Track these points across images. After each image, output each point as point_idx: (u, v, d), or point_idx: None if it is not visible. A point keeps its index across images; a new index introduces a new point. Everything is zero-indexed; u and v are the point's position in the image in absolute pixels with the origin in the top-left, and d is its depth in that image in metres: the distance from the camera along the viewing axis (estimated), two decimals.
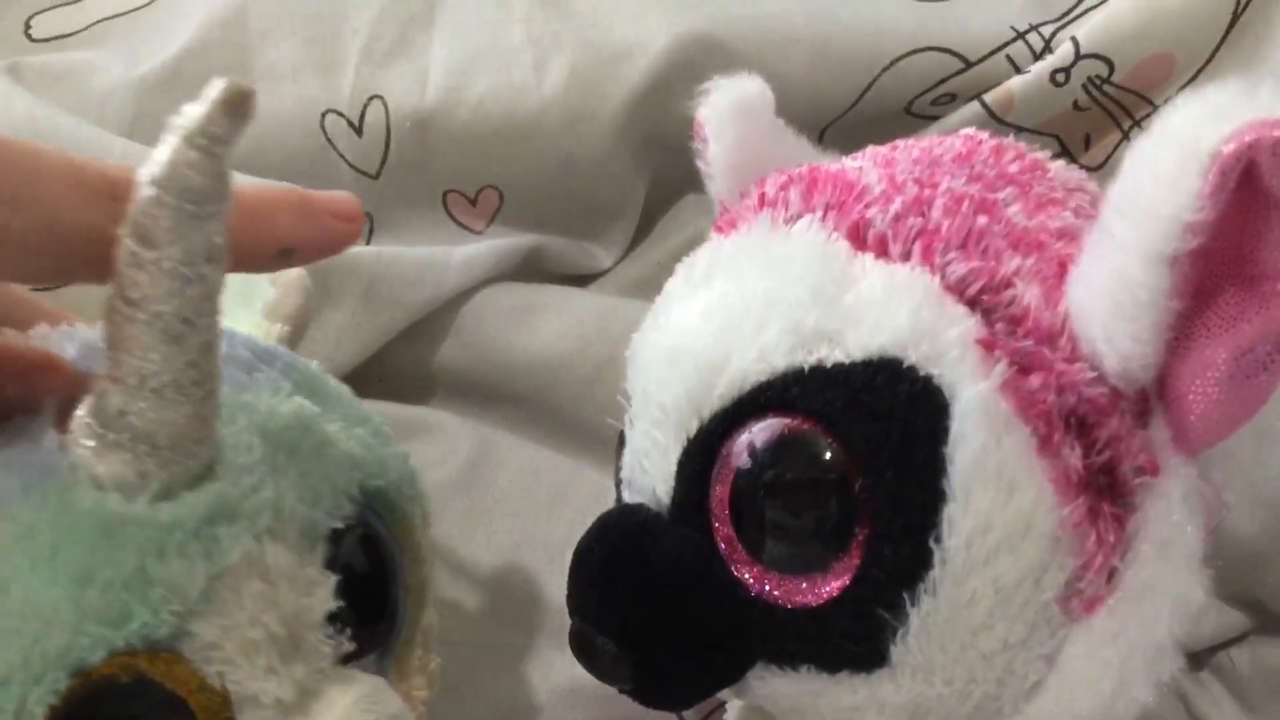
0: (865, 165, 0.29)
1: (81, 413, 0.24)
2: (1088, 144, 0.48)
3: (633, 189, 0.52)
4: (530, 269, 0.50)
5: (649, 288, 0.31)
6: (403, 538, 0.31)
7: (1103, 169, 0.47)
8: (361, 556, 0.28)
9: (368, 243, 0.50)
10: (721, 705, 0.40)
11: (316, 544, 0.26)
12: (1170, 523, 0.25)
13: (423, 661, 0.31)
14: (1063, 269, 0.25)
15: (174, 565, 0.23)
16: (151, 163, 0.22)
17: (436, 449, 0.47)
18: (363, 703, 0.25)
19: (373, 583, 0.29)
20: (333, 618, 0.26)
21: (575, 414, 0.47)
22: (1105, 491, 0.24)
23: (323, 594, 0.25)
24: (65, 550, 0.22)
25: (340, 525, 0.27)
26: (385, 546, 0.30)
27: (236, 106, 0.22)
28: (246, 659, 0.24)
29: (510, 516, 0.45)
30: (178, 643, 0.23)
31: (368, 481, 0.29)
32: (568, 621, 0.29)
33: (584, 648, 0.28)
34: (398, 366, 0.49)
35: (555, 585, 0.43)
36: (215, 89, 0.22)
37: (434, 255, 0.48)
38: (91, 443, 0.23)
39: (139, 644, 0.23)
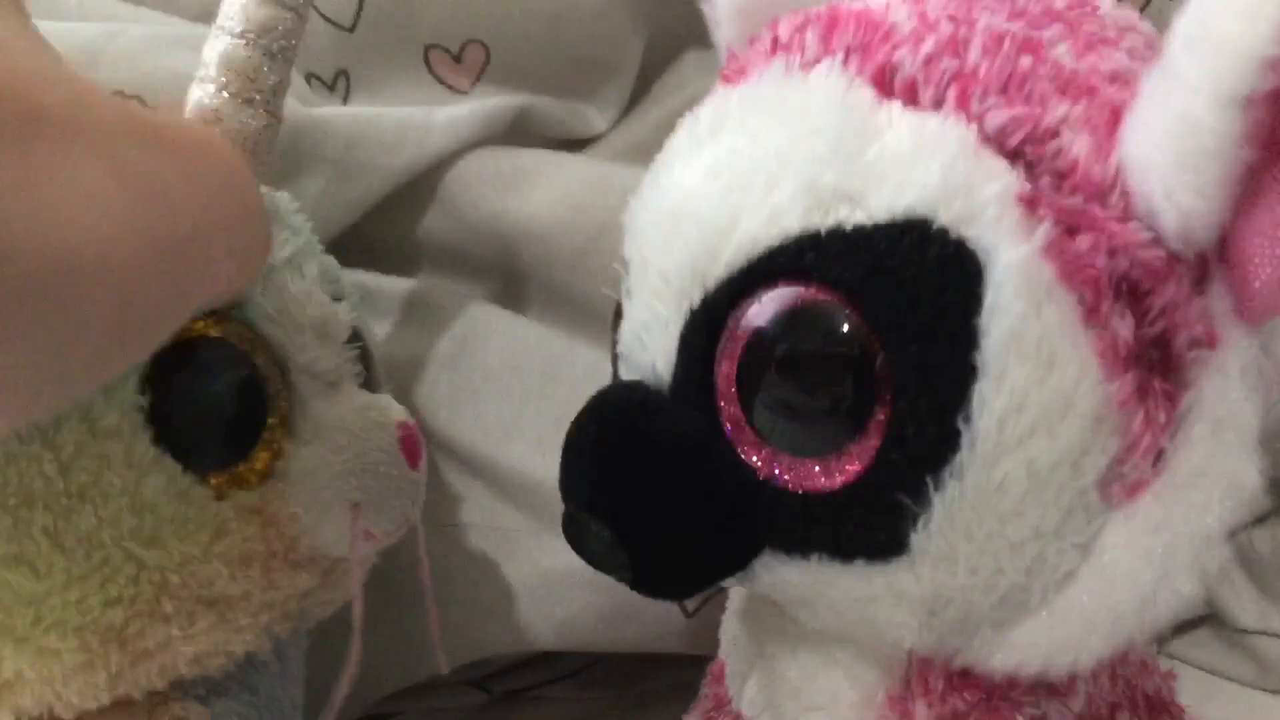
0: (893, 2, 0.27)
1: None
2: None
3: (629, 44, 0.50)
4: (519, 132, 0.49)
5: (646, 152, 0.30)
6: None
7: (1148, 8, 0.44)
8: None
9: (344, 103, 0.49)
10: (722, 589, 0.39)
11: (333, 285, 0.36)
12: (1228, 400, 0.24)
13: None
14: (1116, 116, 0.24)
15: None
16: None
17: (422, 324, 0.46)
18: (382, 400, 0.36)
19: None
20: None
21: (568, 286, 0.46)
22: (1156, 366, 0.23)
23: (343, 307, 0.35)
24: None
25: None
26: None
27: None
28: (298, 333, 0.33)
29: (500, 395, 0.45)
30: (245, 310, 0.32)
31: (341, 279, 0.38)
32: (561, 505, 0.28)
33: (578, 535, 0.28)
34: (379, 237, 0.48)
35: (548, 468, 0.42)
36: None
37: (414, 116, 0.46)
38: None
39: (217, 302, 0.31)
